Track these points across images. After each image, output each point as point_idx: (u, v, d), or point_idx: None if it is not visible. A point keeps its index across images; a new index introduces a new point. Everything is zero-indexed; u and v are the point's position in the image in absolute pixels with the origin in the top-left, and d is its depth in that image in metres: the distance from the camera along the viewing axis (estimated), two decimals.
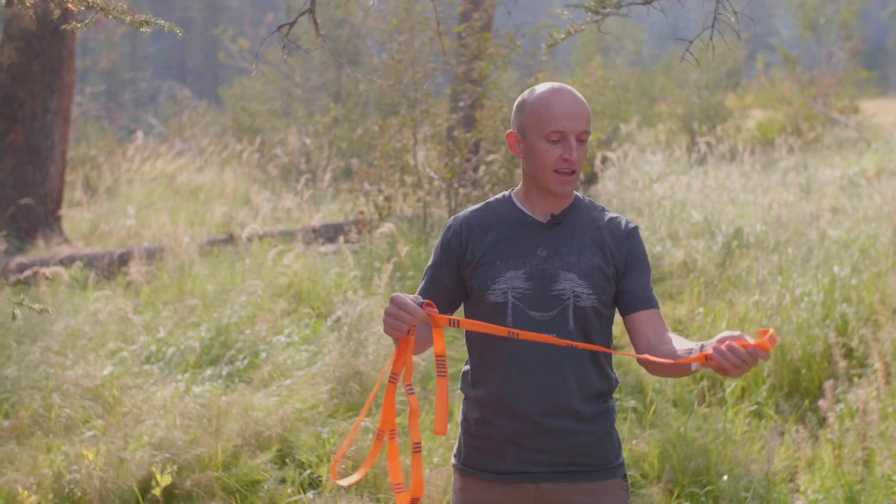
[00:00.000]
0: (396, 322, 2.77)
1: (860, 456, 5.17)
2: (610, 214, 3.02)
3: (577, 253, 2.92)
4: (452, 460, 3.06)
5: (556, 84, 2.97)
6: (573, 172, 2.91)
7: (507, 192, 3.08)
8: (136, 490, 4.86)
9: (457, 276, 3.01)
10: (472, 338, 3.00)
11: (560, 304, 2.89)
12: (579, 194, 3.06)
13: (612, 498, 2.94)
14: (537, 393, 2.88)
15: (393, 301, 2.78)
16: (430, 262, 3.08)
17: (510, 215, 3.00)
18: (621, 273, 2.96)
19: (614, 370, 3.02)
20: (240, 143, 18.49)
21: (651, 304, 2.95)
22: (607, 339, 2.98)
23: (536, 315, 2.89)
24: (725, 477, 5.13)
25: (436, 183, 10.51)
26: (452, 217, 3.11)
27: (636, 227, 3.03)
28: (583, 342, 2.87)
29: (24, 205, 10.95)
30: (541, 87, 2.96)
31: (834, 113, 21.31)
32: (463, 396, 3.06)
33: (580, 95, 2.95)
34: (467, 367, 3.03)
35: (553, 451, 2.89)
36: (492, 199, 3.09)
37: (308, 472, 5.11)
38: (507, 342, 2.87)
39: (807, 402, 6.16)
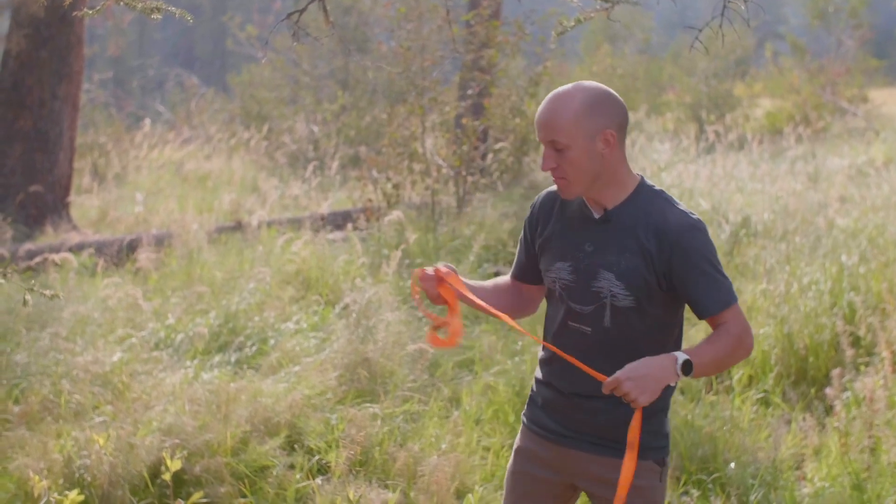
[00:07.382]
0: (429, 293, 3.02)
1: (867, 444, 5.18)
2: (667, 212, 2.90)
3: (618, 253, 2.91)
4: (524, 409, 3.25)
5: (556, 91, 2.94)
6: (563, 178, 2.91)
7: None
8: (145, 475, 4.88)
9: (534, 252, 3.13)
10: (548, 306, 3.14)
11: (598, 301, 2.93)
12: (648, 183, 2.97)
13: (641, 479, 2.95)
14: (573, 375, 2.97)
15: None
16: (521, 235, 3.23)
17: (570, 205, 3.04)
18: (673, 280, 2.88)
19: None
20: (248, 131, 18.48)
21: (712, 309, 2.87)
22: (665, 337, 2.97)
23: (577, 307, 2.97)
24: (732, 464, 5.14)
25: (444, 171, 10.52)
26: (539, 194, 3.19)
27: (688, 229, 2.88)
28: (621, 340, 2.93)
29: (32, 192, 10.97)
30: None
31: (843, 102, 21.25)
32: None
33: (562, 101, 2.87)
34: None
35: (589, 425, 3.00)
36: None
37: (317, 458, 5.13)
38: (559, 322, 3.02)
39: (814, 391, 6.16)
